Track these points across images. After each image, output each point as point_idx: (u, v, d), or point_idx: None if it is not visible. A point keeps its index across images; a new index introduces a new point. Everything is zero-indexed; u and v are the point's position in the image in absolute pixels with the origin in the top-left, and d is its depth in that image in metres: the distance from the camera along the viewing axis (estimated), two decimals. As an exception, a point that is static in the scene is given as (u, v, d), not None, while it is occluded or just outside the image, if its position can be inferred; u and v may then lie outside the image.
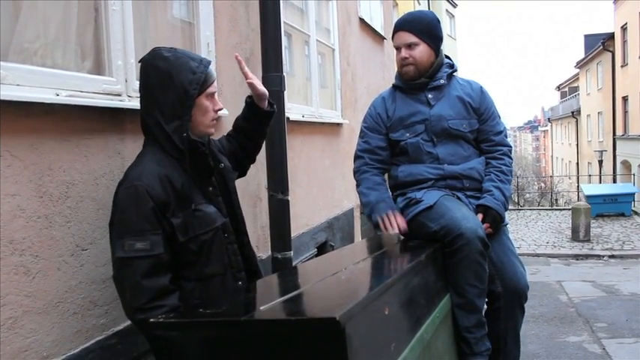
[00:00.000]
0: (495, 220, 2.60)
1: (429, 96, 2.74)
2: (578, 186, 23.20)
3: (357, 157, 2.94)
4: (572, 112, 36.28)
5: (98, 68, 2.34)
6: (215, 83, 2.06)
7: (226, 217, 2.02)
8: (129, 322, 2.26)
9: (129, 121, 2.39)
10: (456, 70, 2.84)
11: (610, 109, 26.82)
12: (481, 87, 2.84)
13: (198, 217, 1.90)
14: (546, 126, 61.90)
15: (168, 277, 1.81)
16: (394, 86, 2.93)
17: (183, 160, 1.93)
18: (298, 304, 1.49)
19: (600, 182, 23.52)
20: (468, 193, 2.70)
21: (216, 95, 2.06)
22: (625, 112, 25.35)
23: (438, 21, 2.80)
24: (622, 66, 25.35)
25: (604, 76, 28.30)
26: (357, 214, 6.54)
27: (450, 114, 2.70)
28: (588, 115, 32.69)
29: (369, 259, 2.25)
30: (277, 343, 1.32)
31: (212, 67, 2.12)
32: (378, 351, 1.45)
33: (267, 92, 2.35)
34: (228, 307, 1.53)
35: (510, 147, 2.82)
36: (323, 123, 5.32)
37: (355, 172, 2.94)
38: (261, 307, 1.38)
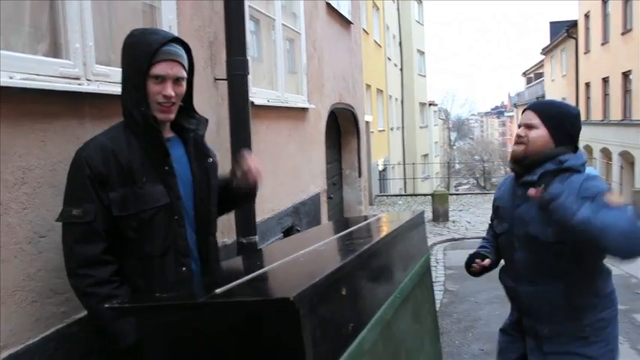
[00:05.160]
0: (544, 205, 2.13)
1: (519, 192, 2.39)
2: (542, 170, 23.61)
3: None
4: (537, 98, 36.86)
5: (55, 51, 2.29)
6: (163, 65, 1.95)
7: (179, 199, 2.00)
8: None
9: (88, 105, 2.35)
10: (561, 170, 2.29)
11: (573, 94, 27.34)
12: (584, 180, 2.23)
13: (140, 195, 1.91)
14: (512, 111, 62.87)
15: (100, 247, 1.86)
16: None
17: (140, 136, 1.95)
18: (255, 286, 1.49)
19: (564, 166, 23.98)
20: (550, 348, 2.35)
21: (169, 81, 1.97)
22: (587, 98, 25.88)
23: (576, 117, 2.41)
24: (585, 53, 25.84)
25: (568, 62, 28.81)
26: (323, 198, 6.57)
27: (533, 218, 2.29)
28: (553, 101, 33.21)
29: (331, 240, 2.27)
30: (233, 325, 1.32)
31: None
32: (335, 331, 1.47)
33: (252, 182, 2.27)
34: (184, 291, 1.53)
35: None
36: (289, 108, 5.31)
37: None
38: (217, 290, 1.38)
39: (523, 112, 2.48)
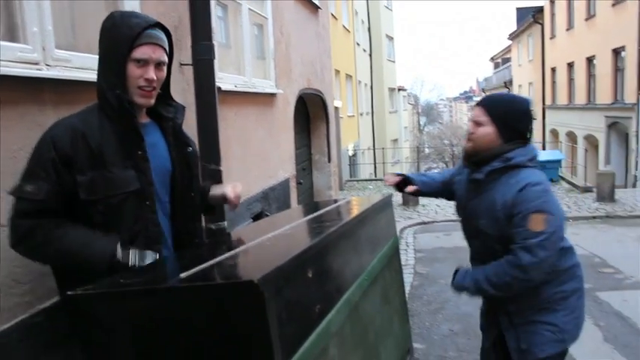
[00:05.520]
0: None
1: (470, 187, 2.48)
2: (509, 154, 23.99)
3: None
4: (505, 83, 37.39)
5: (11, 35, 2.22)
6: (145, 49, 1.92)
7: (151, 185, 1.96)
8: (55, 299, 2.21)
9: (48, 91, 2.30)
10: (508, 167, 2.33)
11: (540, 79, 27.78)
12: (524, 187, 2.26)
13: (109, 179, 1.86)
14: (481, 96, 63.57)
15: (44, 221, 1.81)
16: None
17: (114, 119, 1.90)
18: (220, 269, 1.49)
19: (530, 150, 24.46)
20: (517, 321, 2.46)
21: (151, 65, 1.94)
22: (553, 83, 26.33)
23: (525, 112, 2.41)
24: (551, 38, 26.23)
25: (534, 47, 29.21)
26: (292, 184, 6.57)
27: (482, 212, 2.39)
28: (520, 86, 33.76)
29: (299, 223, 2.27)
30: (198, 309, 1.32)
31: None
32: (302, 313, 1.48)
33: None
34: (149, 276, 1.52)
35: (522, 262, 2.22)
36: (257, 93, 5.28)
37: None
38: (182, 274, 1.37)
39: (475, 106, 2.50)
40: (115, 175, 1.87)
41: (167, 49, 2.02)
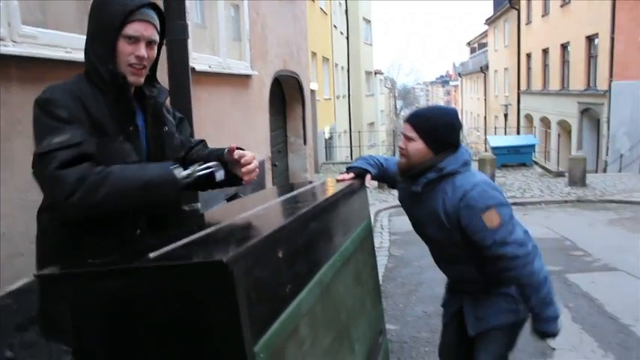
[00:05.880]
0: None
1: (411, 198, 2.55)
2: (485, 138, 24.34)
3: None
4: (481, 68, 37.67)
5: (-25, 10, 2.16)
6: (137, 26, 1.85)
7: (142, 161, 1.91)
8: (24, 282, 2.18)
9: (15, 68, 2.25)
10: (442, 176, 2.39)
11: (515, 65, 28.03)
12: (462, 197, 2.34)
13: (111, 150, 1.80)
14: (457, 80, 64.04)
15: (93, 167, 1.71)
16: None
17: (107, 92, 1.84)
18: (190, 249, 1.48)
19: (505, 134, 24.83)
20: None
21: (142, 42, 1.87)
22: (528, 69, 26.60)
23: (451, 125, 2.43)
24: (527, 24, 26.44)
25: (510, 33, 29.44)
26: (267, 166, 6.55)
27: (427, 221, 2.49)
28: (496, 71, 34.06)
29: (272, 204, 2.26)
30: (167, 289, 1.31)
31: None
32: (272, 293, 1.47)
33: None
34: (117, 256, 1.50)
35: (509, 255, 2.31)
36: (231, 74, 5.23)
37: None
38: (151, 254, 1.36)
39: (404, 122, 2.53)
40: (113, 146, 1.82)
41: (159, 28, 1.98)
